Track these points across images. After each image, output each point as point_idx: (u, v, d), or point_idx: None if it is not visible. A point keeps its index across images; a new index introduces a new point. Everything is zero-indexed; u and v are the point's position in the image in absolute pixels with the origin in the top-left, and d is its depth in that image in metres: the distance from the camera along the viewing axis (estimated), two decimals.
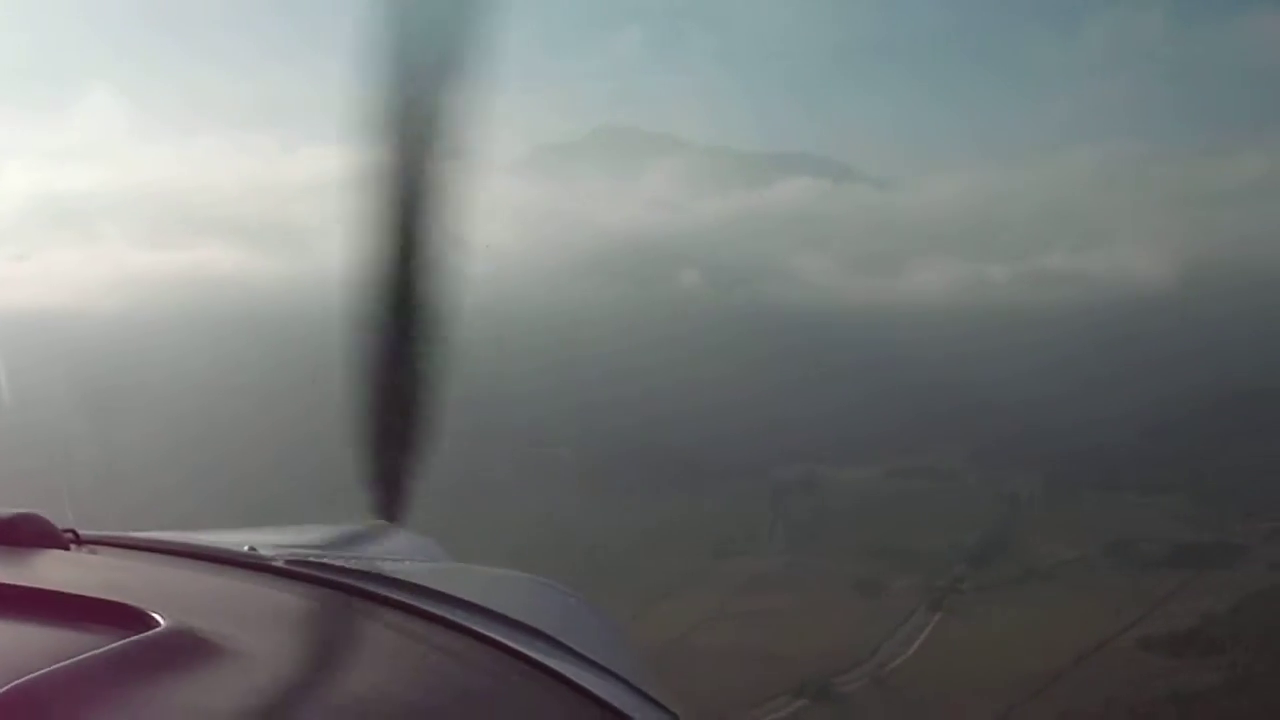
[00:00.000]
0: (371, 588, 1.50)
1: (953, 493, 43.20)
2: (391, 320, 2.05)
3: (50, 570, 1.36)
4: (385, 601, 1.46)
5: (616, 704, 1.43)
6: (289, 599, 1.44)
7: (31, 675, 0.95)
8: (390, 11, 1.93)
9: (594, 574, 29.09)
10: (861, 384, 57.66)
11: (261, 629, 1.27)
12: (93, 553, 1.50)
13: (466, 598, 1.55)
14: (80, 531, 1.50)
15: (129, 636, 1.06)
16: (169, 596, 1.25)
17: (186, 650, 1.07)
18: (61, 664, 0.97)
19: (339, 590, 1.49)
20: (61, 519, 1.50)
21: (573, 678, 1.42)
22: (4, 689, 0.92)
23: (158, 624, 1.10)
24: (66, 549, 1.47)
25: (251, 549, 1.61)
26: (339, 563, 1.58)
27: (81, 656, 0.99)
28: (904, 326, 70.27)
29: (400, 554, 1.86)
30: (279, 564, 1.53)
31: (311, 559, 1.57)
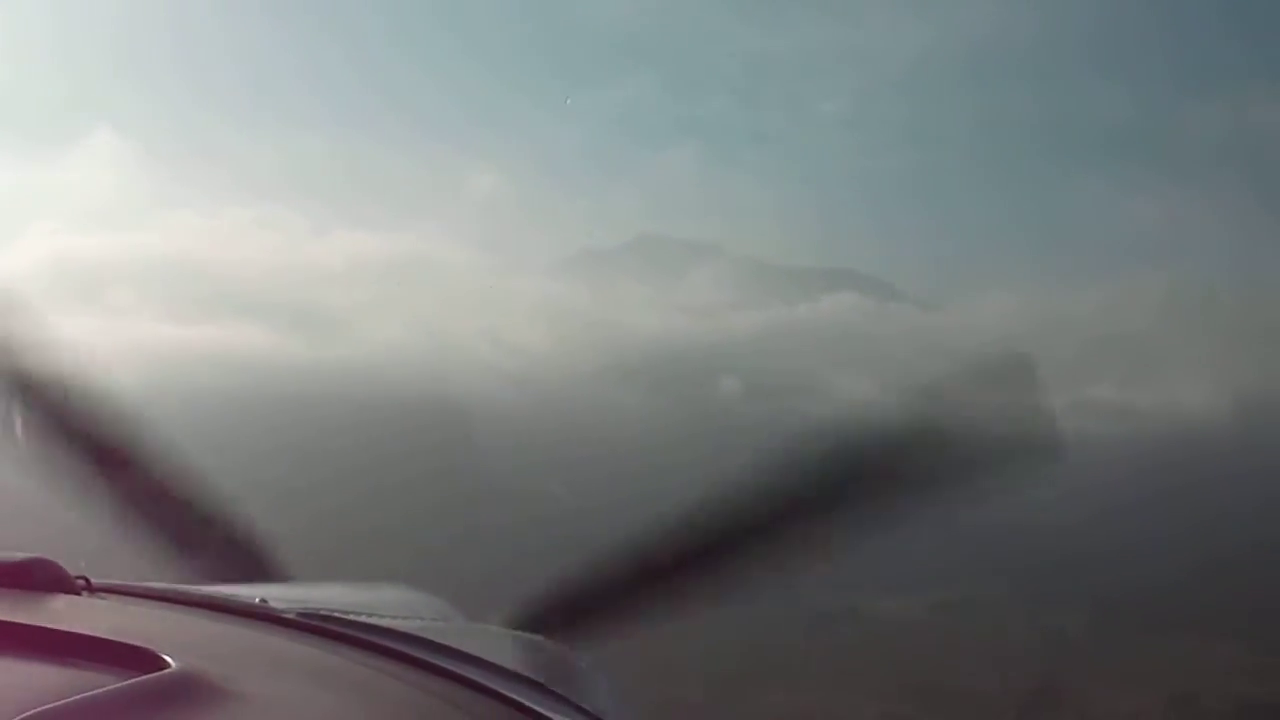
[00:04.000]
0: (380, 641, 1.59)
1: (997, 628, 40.78)
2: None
3: (62, 614, 1.44)
4: (393, 655, 1.56)
5: None
6: (299, 650, 1.52)
7: (44, 708, 1.03)
8: None
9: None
10: (899, 510, 55.75)
11: (272, 678, 1.36)
12: (104, 599, 1.59)
13: (470, 651, 1.65)
14: (92, 579, 1.60)
15: (139, 676, 1.14)
16: (179, 642, 1.31)
17: (196, 693, 1.15)
18: (74, 698, 1.04)
19: (348, 643, 1.57)
20: (74, 568, 1.57)
21: None
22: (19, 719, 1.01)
23: (168, 665, 1.18)
24: (78, 595, 1.56)
25: (262, 601, 1.70)
26: (349, 616, 1.68)
27: (94, 692, 1.06)
28: None
29: (409, 611, 1.98)
30: (290, 615, 1.63)
31: (322, 612, 1.66)
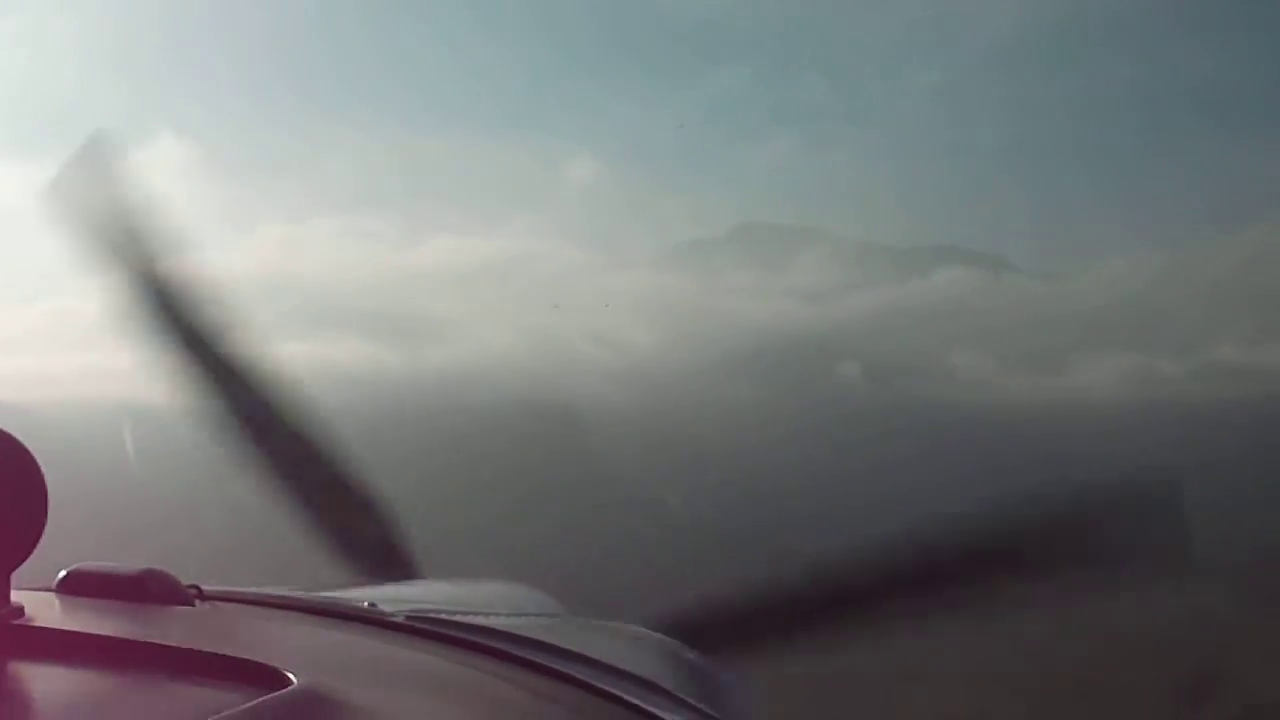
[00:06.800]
0: (490, 642, 1.62)
1: (1140, 608, 39.01)
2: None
3: (179, 627, 1.48)
4: (506, 657, 1.58)
5: None
6: (410, 655, 1.55)
7: None
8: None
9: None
10: (1028, 485, 54.29)
11: (386, 685, 1.38)
12: (216, 608, 1.65)
13: (584, 651, 1.67)
14: (204, 587, 1.66)
15: (263, 694, 1.15)
16: (296, 653, 1.38)
17: (320, 708, 1.16)
18: None
19: (458, 645, 1.60)
20: (185, 575, 1.64)
21: None
22: None
23: (291, 682, 1.19)
24: (191, 605, 1.60)
25: (371, 605, 1.77)
26: (456, 618, 1.72)
27: (226, 714, 1.08)
28: (1070, 425, 66.80)
29: (515, 608, 2.11)
30: (399, 619, 1.68)
31: (432, 614, 1.72)
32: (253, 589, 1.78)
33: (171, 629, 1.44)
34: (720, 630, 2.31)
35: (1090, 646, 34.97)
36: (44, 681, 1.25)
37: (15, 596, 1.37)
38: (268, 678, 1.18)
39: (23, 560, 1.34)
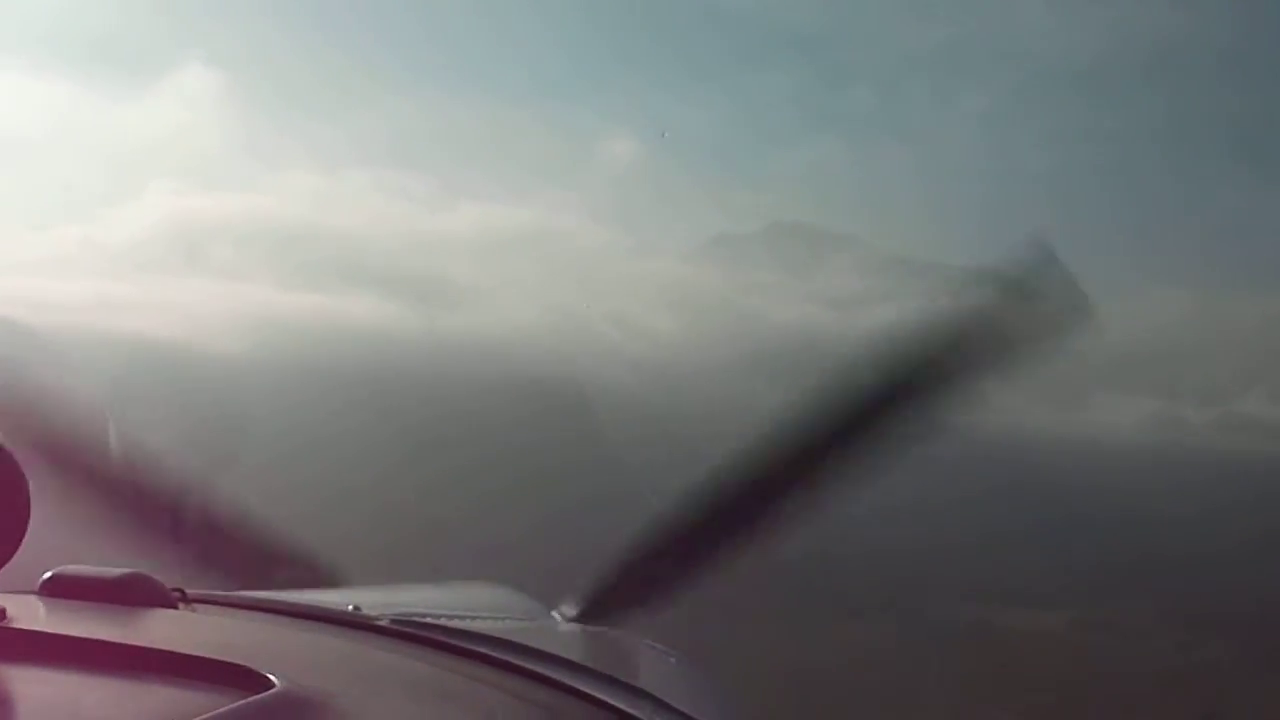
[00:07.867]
0: (473, 646, 1.59)
1: (1145, 654, 38.41)
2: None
3: (162, 630, 1.45)
4: (486, 660, 1.55)
5: None
6: (394, 658, 1.52)
7: None
8: None
9: None
10: (1038, 519, 53.83)
11: (369, 689, 1.36)
12: (200, 611, 1.61)
13: (566, 655, 1.65)
14: (187, 590, 1.63)
15: (245, 697, 1.15)
16: (279, 656, 1.33)
17: (301, 711, 1.17)
18: None
19: (442, 650, 1.58)
20: (169, 578, 1.60)
21: None
22: None
23: (273, 685, 1.19)
24: (175, 608, 1.57)
25: (355, 608, 1.72)
26: (441, 621, 1.70)
27: (207, 716, 1.08)
28: (1087, 463, 66.14)
29: (499, 611, 2.12)
30: (383, 623, 1.66)
31: (414, 618, 1.68)
32: (237, 592, 1.78)
33: (154, 632, 1.42)
34: (627, 591, 2.30)
35: (1098, 693, 34.16)
36: (26, 684, 1.21)
37: None
38: (249, 680, 1.17)
39: (4, 563, 1.30)
